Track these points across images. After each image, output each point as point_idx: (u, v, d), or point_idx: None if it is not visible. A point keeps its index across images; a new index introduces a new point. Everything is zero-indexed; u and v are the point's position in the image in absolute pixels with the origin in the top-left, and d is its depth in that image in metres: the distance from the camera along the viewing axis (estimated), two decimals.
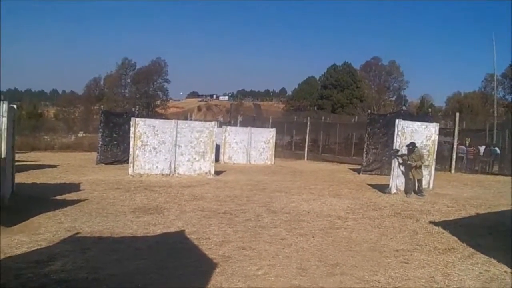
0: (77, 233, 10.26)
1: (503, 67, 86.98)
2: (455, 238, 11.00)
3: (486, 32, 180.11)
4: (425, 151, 19.71)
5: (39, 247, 8.97)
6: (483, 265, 8.77)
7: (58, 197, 15.04)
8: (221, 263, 8.35)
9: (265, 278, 7.63)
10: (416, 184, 18.60)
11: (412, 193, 18.34)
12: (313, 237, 10.80)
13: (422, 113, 56.38)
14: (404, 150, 18.70)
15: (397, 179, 18.90)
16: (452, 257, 9.34)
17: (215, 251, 9.16)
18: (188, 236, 10.46)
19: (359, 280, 7.70)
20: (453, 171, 30.93)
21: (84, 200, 14.62)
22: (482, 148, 32.37)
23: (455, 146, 31.52)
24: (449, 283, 7.66)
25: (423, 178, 19.56)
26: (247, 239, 10.31)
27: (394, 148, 19.17)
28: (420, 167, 18.45)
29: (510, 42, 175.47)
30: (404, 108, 59.83)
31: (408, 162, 18.46)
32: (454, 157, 31.40)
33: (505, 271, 8.35)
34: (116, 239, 9.99)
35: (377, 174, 27.23)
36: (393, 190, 18.88)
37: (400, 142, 18.82)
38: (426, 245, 10.30)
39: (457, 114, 33.96)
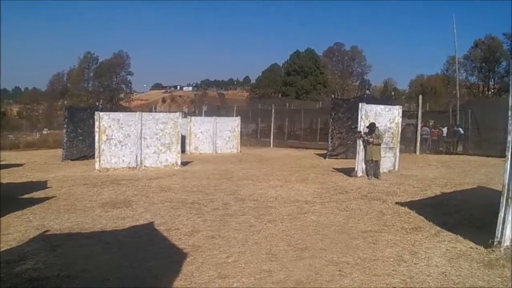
0: (47, 231, 10.19)
1: (465, 49, 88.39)
2: (421, 217, 11.18)
3: (446, 15, 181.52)
4: (389, 133, 19.93)
5: (9, 247, 8.89)
6: (449, 242, 8.93)
7: (25, 196, 14.90)
8: (191, 252, 8.40)
9: (236, 265, 7.70)
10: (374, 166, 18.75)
11: (372, 176, 18.52)
12: (281, 222, 10.90)
13: (385, 96, 56.97)
14: (366, 131, 18.83)
15: (362, 163, 19.06)
16: (419, 235, 9.50)
17: (185, 241, 9.20)
18: (157, 227, 10.48)
19: (328, 262, 7.80)
20: (417, 152, 31.27)
21: (51, 197, 14.50)
22: (444, 130, 32.88)
23: (419, 128, 31.89)
24: (417, 261, 7.80)
25: (389, 160, 19.85)
26: (216, 228, 10.37)
27: (358, 130, 19.29)
28: (379, 145, 18.57)
29: (471, 24, 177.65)
30: (367, 92, 60.22)
31: (366, 138, 18.57)
32: (419, 138, 31.77)
33: (471, 247, 8.52)
34: (86, 234, 9.96)
35: (343, 158, 27.47)
36: (359, 173, 19.07)
37: (364, 125, 18.97)
38: (393, 226, 10.45)
39: (420, 96, 34.29)
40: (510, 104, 8.08)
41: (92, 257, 8.21)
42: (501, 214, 8.21)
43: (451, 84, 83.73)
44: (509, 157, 8.07)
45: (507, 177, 8.13)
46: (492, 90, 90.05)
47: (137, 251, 8.58)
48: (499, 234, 8.26)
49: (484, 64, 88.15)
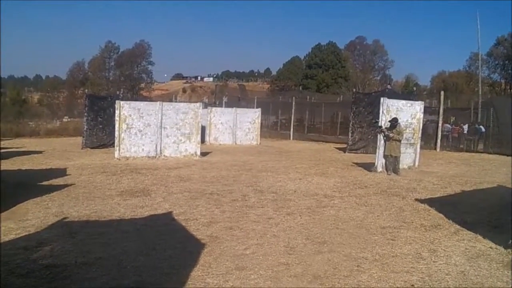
0: (65, 218, 10.21)
1: (488, 46, 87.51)
2: (441, 215, 11.08)
3: (470, 11, 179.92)
4: (410, 129, 19.79)
5: (27, 233, 8.92)
6: (469, 241, 8.84)
7: (44, 183, 14.93)
8: (209, 243, 8.38)
9: (253, 257, 7.67)
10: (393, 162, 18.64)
11: (392, 171, 18.41)
12: (300, 215, 10.85)
13: (407, 91, 56.70)
14: (387, 126, 18.71)
15: (382, 158, 18.94)
16: (439, 233, 9.42)
17: (203, 232, 9.18)
18: (176, 217, 10.48)
19: (347, 257, 7.75)
20: (438, 149, 31.12)
21: (70, 184, 14.53)
22: (465, 127, 32.59)
23: (440, 124, 31.65)
24: (436, 259, 7.72)
25: (409, 156, 19.76)
26: (234, 219, 10.35)
27: (379, 124, 19.12)
28: (399, 141, 18.46)
29: (494, 21, 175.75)
30: (389, 87, 59.92)
31: (387, 133, 18.49)
32: (439, 135, 31.54)
33: (490, 247, 8.43)
34: (104, 222, 9.98)
35: (363, 153, 27.39)
36: (379, 169, 18.97)
37: (385, 120, 18.84)
38: (412, 222, 10.37)
39: (442, 92, 34.02)
40: None
41: (109, 245, 8.22)
42: None
43: (473, 81, 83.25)
44: None
45: None
46: None
47: (154, 240, 8.57)
48: None
49: (507, 62, 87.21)
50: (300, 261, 7.50)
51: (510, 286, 6.70)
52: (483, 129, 31.39)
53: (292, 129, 43.56)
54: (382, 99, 19.48)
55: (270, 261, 7.46)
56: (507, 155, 26.50)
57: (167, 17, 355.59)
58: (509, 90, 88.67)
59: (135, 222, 10.05)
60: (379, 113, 19.43)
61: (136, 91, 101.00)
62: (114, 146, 23.02)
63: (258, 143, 35.23)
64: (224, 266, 7.21)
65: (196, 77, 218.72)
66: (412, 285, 6.56)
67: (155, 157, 22.54)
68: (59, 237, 8.66)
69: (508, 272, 7.18)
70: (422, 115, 20.77)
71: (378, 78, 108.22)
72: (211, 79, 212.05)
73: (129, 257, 7.56)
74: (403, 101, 20.49)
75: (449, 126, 33.27)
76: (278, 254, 7.85)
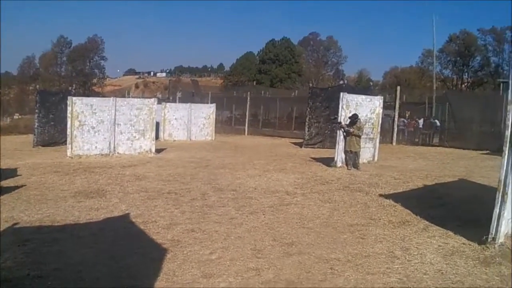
0: (16, 224, 9.64)
1: (439, 43, 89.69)
2: (407, 210, 10.93)
3: (422, 9, 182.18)
4: (369, 124, 19.70)
5: None
6: (440, 237, 8.68)
7: None
8: (171, 248, 7.96)
9: (220, 262, 7.28)
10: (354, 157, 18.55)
11: (352, 166, 18.30)
12: (263, 214, 10.54)
13: (362, 87, 57.30)
14: (347, 122, 18.60)
15: (342, 153, 18.81)
16: (408, 230, 9.24)
17: (163, 235, 8.76)
18: (133, 220, 10.01)
19: (318, 259, 7.44)
20: (394, 143, 31.43)
21: (21, 186, 13.91)
22: (421, 121, 33.07)
23: (396, 119, 31.90)
24: (410, 258, 7.51)
25: (368, 151, 19.70)
26: (195, 220, 9.96)
27: (338, 120, 19.01)
28: (358, 137, 18.38)
29: (446, 18, 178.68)
30: (344, 82, 60.26)
31: (347, 129, 18.36)
32: (396, 129, 31.81)
33: (463, 243, 8.28)
34: (58, 227, 9.42)
35: (320, 148, 27.40)
36: (339, 164, 18.81)
37: (344, 115, 18.71)
38: (379, 219, 10.17)
39: (398, 88, 34.55)
40: (509, 98, 7.86)
41: (64, 253, 7.71)
42: (496, 210, 8.02)
43: (425, 76, 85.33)
44: (506, 152, 7.83)
45: (504, 173, 7.90)
46: (466, 84, 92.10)
47: (112, 246, 8.10)
48: (494, 231, 8.05)
49: (458, 58, 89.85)
50: (270, 265, 7.14)
51: (489, 284, 6.49)
52: (438, 123, 31.89)
53: (246, 124, 43.56)
54: (341, 94, 19.30)
55: (238, 266, 7.08)
56: (463, 149, 26.89)
57: (120, 12, 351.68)
58: (460, 86, 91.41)
59: (91, 226, 9.54)
60: (337, 108, 19.35)
61: (88, 86, 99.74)
62: (66, 144, 22.34)
63: (213, 139, 34.91)
64: (189, 273, 6.78)
65: (149, 73, 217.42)
66: None
67: (109, 154, 21.96)
68: (9, 246, 8.06)
69: (486, 269, 7.02)
70: (381, 110, 20.77)
71: (331, 73, 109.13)
72: (164, 74, 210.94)
73: (87, 267, 7.05)
74: (363, 96, 20.42)
75: (404, 120, 33.62)
76: (245, 258, 7.48)
